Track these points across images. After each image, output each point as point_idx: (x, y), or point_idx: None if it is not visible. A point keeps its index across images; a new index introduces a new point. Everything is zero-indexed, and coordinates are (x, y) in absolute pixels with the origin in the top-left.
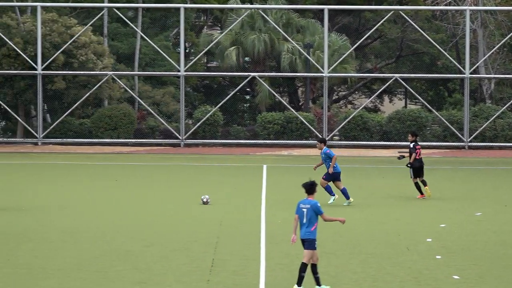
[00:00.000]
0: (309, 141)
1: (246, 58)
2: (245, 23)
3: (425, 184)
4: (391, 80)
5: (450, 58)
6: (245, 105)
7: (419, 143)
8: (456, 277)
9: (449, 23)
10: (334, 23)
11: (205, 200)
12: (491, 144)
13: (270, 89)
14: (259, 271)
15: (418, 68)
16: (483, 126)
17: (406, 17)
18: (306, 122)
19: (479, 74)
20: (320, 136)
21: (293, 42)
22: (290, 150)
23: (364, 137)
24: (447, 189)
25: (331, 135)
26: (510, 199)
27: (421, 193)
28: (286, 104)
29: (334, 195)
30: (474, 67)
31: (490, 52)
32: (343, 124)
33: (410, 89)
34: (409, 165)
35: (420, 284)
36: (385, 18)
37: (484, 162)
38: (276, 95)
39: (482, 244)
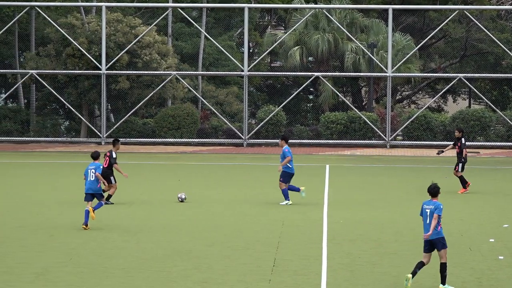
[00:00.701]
0: (373, 141)
1: (310, 58)
2: (309, 22)
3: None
4: (455, 80)
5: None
6: (308, 105)
7: (483, 143)
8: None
9: None
10: (398, 23)
11: (181, 197)
12: None
13: (333, 88)
14: (321, 271)
15: (482, 68)
16: None
17: (471, 17)
18: (369, 122)
19: None
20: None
21: (357, 41)
22: (353, 150)
23: (427, 137)
24: (510, 189)
25: (394, 134)
26: None
27: (464, 187)
28: (349, 104)
29: (288, 199)
30: None
31: None
32: (406, 124)
33: (474, 89)
34: (439, 153)
35: (483, 284)
36: (449, 18)
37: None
38: (339, 94)
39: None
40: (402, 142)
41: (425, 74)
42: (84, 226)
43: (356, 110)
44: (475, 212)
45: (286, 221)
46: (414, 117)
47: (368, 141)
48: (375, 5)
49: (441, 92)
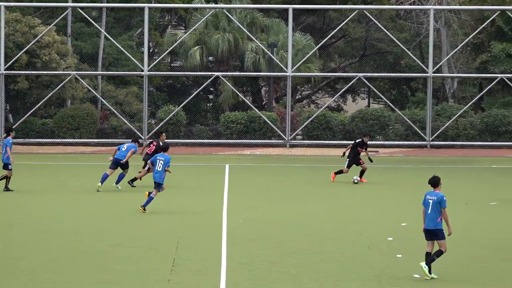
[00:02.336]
0: (272, 141)
1: (210, 58)
2: (209, 22)
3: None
4: (354, 80)
5: (414, 57)
6: (208, 104)
7: (382, 142)
8: (416, 275)
9: (413, 22)
10: (298, 23)
11: None
12: (453, 143)
13: (233, 88)
14: (220, 270)
15: (381, 67)
16: (446, 125)
17: (370, 16)
18: (269, 122)
19: (442, 73)
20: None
21: (257, 41)
22: (253, 150)
23: (327, 136)
24: (409, 188)
25: (294, 134)
26: (471, 198)
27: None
28: (249, 103)
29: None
30: (437, 66)
31: (454, 51)
32: (306, 123)
33: (373, 88)
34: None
35: (381, 283)
36: (349, 18)
37: (446, 161)
38: (239, 94)
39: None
40: (302, 141)
41: (325, 74)
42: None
43: (256, 109)
44: (374, 211)
45: (185, 221)
46: (313, 116)
47: (268, 141)
48: (275, 5)
49: (341, 92)
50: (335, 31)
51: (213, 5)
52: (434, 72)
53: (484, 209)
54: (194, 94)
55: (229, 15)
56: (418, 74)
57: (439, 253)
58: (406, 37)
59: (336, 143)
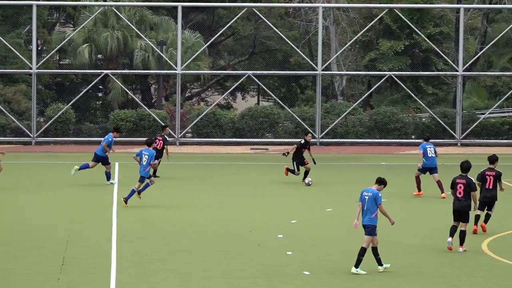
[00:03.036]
0: None
1: (99, 56)
2: (98, 20)
3: None
4: (244, 77)
5: (303, 55)
6: (97, 102)
7: (271, 140)
8: (306, 272)
9: (302, 20)
10: (187, 20)
11: None
12: (342, 140)
13: (122, 86)
14: (110, 269)
15: (271, 65)
16: (335, 123)
17: (260, 14)
18: (158, 120)
19: (331, 71)
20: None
21: (146, 39)
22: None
23: (216, 134)
24: (296, 186)
25: (183, 132)
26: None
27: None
28: (138, 101)
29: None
30: (326, 64)
31: (342, 49)
32: (195, 121)
33: (263, 86)
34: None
35: (271, 280)
36: (238, 16)
37: (335, 158)
38: (128, 92)
39: (332, 240)
40: (192, 139)
41: (214, 72)
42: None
43: (145, 107)
44: (264, 209)
45: (75, 219)
46: (203, 114)
47: None
48: (164, 2)
49: (230, 89)
50: (224, 29)
51: (101, 2)
52: (323, 70)
53: None
54: (83, 92)
55: (118, 12)
56: (307, 72)
57: (362, 251)
58: (295, 35)
59: (226, 141)
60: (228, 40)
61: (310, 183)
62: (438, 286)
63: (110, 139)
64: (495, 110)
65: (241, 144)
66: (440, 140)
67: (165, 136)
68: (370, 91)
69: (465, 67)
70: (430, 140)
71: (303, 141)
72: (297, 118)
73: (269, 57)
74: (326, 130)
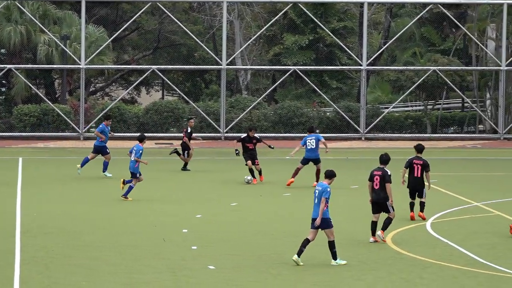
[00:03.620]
0: (66, 133)
1: (2, 50)
2: (1, 14)
3: None
4: (148, 72)
5: (207, 49)
6: (0, 97)
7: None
8: (211, 267)
9: (206, 14)
10: (91, 15)
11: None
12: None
13: (26, 81)
14: (14, 264)
15: (175, 59)
16: (240, 117)
17: (164, 9)
18: (62, 114)
19: (235, 65)
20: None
21: (49, 34)
22: (47, 143)
23: (121, 129)
24: (203, 180)
25: (88, 127)
26: (264, 190)
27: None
28: (42, 96)
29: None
30: (231, 59)
31: (247, 44)
32: (99, 116)
33: (167, 81)
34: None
35: (176, 274)
36: (142, 10)
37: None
38: (32, 87)
39: (237, 234)
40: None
41: (118, 66)
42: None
43: (49, 102)
44: (169, 204)
45: None
46: (107, 109)
47: (61, 133)
48: None
49: (135, 84)
50: (128, 23)
51: None
52: (227, 64)
53: (277, 200)
54: None
55: (21, 7)
56: (211, 66)
57: (331, 244)
58: (199, 30)
59: (130, 136)
60: (132, 35)
61: (250, 182)
62: (343, 280)
63: (101, 126)
64: (399, 104)
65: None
66: (345, 134)
67: (189, 128)
68: (275, 85)
69: (369, 61)
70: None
71: (245, 135)
72: (202, 112)
73: (173, 52)
74: (231, 125)
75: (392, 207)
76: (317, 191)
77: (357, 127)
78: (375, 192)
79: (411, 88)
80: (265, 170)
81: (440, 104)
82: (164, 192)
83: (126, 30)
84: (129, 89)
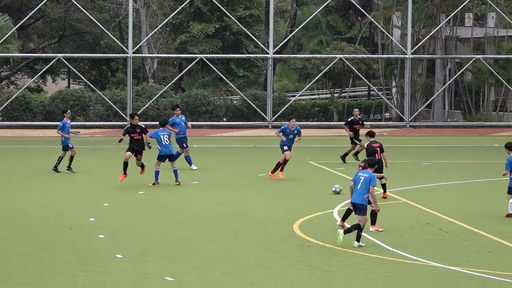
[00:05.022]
0: None
1: None
2: None
3: None
4: (54, 60)
5: (113, 38)
6: None
7: (83, 123)
8: (119, 256)
9: (112, 3)
10: None
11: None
12: (154, 123)
13: None
14: None
15: (81, 47)
16: (146, 105)
17: None
18: None
19: (142, 53)
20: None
21: None
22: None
23: (27, 118)
24: (111, 169)
25: None
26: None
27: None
28: None
29: None
30: (137, 47)
31: (153, 32)
32: (5, 104)
33: (73, 69)
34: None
35: (84, 264)
36: None
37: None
38: None
39: (145, 223)
40: (2, 123)
41: (24, 54)
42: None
43: None
44: (75, 192)
45: None
46: (13, 97)
47: None
48: None
49: (40, 72)
50: (33, 11)
51: None
52: (134, 53)
53: (185, 189)
54: None
55: None
56: (118, 55)
57: (358, 226)
58: (105, 18)
59: (37, 124)
60: (38, 23)
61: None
62: (251, 267)
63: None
64: (305, 92)
65: (52, 127)
66: (251, 123)
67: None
68: (181, 73)
69: (275, 49)
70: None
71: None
72: (108, 101)
73: (79, 40)
74: (139, 112)
75: (374, 200)
76: (362, 177)
77: (264, 115)
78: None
79: (318, 76)
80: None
81: (346, 92)
82: (70, 180)
83: (32, 18)
84: (35, 77)
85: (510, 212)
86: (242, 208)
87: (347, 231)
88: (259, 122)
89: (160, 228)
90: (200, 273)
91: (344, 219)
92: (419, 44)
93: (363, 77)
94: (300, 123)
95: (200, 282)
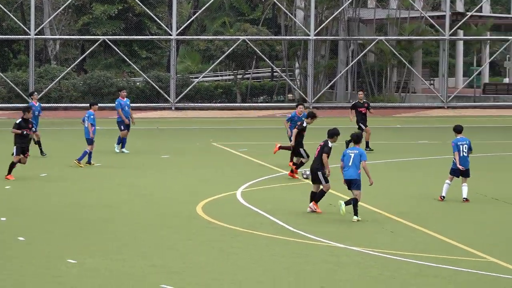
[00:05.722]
0: None
1: None
2: None
3: None
4: None
5: (15, 19)
6: None
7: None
8: (21, 238)
9: None
10: None
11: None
12: (56, 105)
13: None
14: None
15: None
16: (48, 87)
17: None
18: None
19: (44, 35)
20: None
21: None
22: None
23: None
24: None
25: None
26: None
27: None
28: None
29: None
30: (39, 29)
31: (55, 13)
32: None
33: None
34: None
35: None
36: None
37: (49, 123)
38: None
39: (49, 206)
40: None
41: None
42: None
43: None
44: None
45: None
46: None
47: None
48: None
49: None
50: None
51: None
52: (36, 34)
53: (91, 171)
54: None
55: None
56: (19, 36)
57: (355, 201)
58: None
59: None
60: None
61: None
62: (154, 249)
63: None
64: (209, 74)
65: None
66: (155, 104)
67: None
68: (84, 55)
69: (178, 31)
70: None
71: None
72: (10, 83)
73: None
74: (40, 95)
75: (326, 179)
76: (352, 154)
77: (167, 97)
78: (313, 161)
79: (221, 58)
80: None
81: (249, 73)
82: None
83: None
84: None
85: (443, 195)
86: (145, 190)
87: (347, 203)
88: (162, 104)
89: (63, 211)
90: (103, 255)
91: (313, 200)
92: (322, 26)
93: (266, 59)
94: (204, 104)
95: (103, 264)
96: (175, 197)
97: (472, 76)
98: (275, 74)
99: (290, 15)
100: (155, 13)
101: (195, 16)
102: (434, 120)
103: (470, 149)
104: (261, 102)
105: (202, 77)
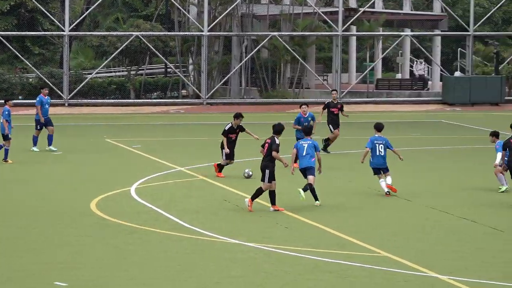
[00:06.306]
0: None
1: None
2: None
3: None
4: None
5: None
6: None
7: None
8: None
9: None
10: None
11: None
12: None
13: None
14: None
15: None
16: None
17: None
18: None
19: None
20: None
21: None
22: None
23: None
24: None
25: None
26: None
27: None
28: None
29: None
30: None
31: None
32: None
33: None
34: None
35: None
36: None
37: None
38: None
39: None
40: None
41: None
42: None
43: None
44: None
45: None
46: None
47: None
48: None
49: None
50: None
51: None
52: None
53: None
54: None
55: None
56: None
57: (311, 185)
58: None
59: None
60: None
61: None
62: (48, 246)
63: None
64: (102, 70)
65: None
66: None
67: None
68: None
69: (71, 27)
70: None
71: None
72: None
73: None
74: None
75: (270, 178)
76: (305, 144)
77: (60, 93)
78: (262, 159)
79: (114, 54)
80: None
81: (143, 69)
82: None
83: None
84: None
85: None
86: (37, 187)
87: (304, 189)
88: (55, 100)
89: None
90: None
91: (254, 198)
92: (215, 22)
93: (159, 55)
94: (97, 100)
95: None
96: (68, 193)
97: (365, 72)
98: (168, 70)
99: (184, 11)
100: (48, 9)
101: (88, 12)
102: None
103: (388, 147)
104: (154, 98)
105: (96, 73)
